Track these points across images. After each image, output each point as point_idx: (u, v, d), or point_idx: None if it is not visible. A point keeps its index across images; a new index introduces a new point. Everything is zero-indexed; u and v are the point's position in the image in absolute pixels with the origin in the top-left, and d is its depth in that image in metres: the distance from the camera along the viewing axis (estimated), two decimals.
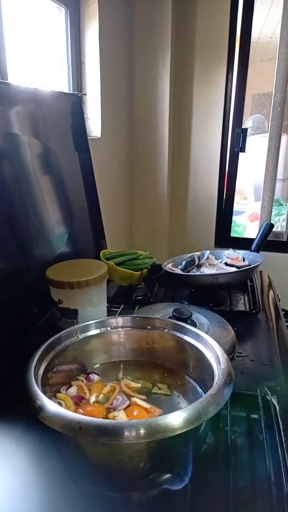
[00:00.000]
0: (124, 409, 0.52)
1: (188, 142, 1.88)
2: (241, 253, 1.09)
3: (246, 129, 1.79)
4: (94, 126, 1.43)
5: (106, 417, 0.49)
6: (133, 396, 0.54)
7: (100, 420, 0.39)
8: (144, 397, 0.54)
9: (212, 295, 1.01)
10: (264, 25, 2.56)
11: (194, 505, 0.44)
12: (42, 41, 1.19)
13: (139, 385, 0.57)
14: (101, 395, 0.54)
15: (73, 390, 0.54)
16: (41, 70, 1.20)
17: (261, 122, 3.44)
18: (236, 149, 1.82)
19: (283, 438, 0.53)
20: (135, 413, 0.51)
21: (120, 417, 0.49)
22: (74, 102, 1.08)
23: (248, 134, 1.82)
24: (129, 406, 0.52)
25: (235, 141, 1.82)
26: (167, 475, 0.45)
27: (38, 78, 1.19)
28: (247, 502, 0.46)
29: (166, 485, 0.46)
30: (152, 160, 1.82)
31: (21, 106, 0.84)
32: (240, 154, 1.86)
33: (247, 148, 1.84)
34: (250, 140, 1.87)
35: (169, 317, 0.75)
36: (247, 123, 3.32)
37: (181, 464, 0.46)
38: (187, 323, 0.66)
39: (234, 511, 0.43)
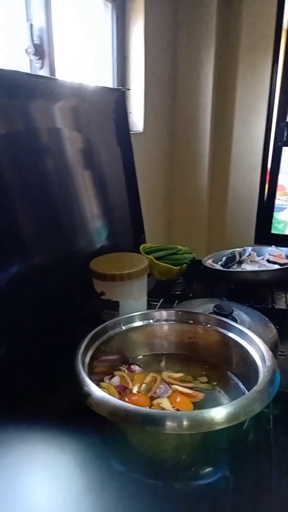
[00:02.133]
0: (167, 397, 0.52)
1: (230, 136, 1.85)
2: (284, 250, 1.06)
3: None
4: (136, 120, 1.44)
5: (151, 406, 0.50)
6: (174, 385, 0.54)
7: (146, 409, 0.40)
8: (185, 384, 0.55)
9: (253, 292, 1.00)
10: None
11: (234, 500, 0.44)
12: (88, 36, 1.21)
13: (180, 375, 0.57)
14: (143, 385, 0.55)
15: (116, 380, 0.55)
16: (87, 65, 1.22)
17: None
18: (279, 143, 1.76)
19: None
20: (178, 400, 0.52)
21: (164, 404, 0.50)
22: (118, 97, 1.09)
23: None
24: (171, 394, 0.53)
25: (278, 135, 1.76)
26: (209, 469, 0.45)
27: (83, 74, 1.21)
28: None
29: (207, 478, 0.46)
30: (193, 154, 1.81)
31: (66, 101, 0.85)
32: (284, 149, 1.80)
33: None
34: None
35: (210, 313, 0.75)
36: None
37: (223, 459, 0.46)
38: (228, 319, 0.66)
39: (276, 508, 0.43)
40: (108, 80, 1.37)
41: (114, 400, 0.41)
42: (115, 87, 1.36)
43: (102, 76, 1.35)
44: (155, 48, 1.47)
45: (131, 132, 1.16)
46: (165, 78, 1.64)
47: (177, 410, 0.50)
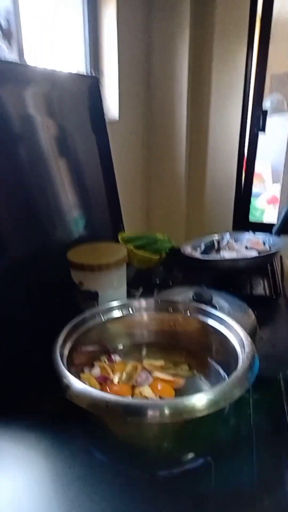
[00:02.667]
0: (149, 385, 0.52)
1: (206, 123, 1.84)
2: (261, 236, 1.07)
3: (266, 111, 1.74)
4: (111, 108, 1.41)
5: (132, 394, 0.49)
6: (155, 372, 0.54)
7: (127, 400, 0.40)
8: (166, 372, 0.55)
9: (232, 279, 1.00)
10: (284, 3, 2.45)
11: (217, 485, 0.45)
12: (59, 21, 1.17)
13: (161, 362, 0.57)
14: (124, 374, 0.55)
15: (96, 371, 0.55)
16: (58, 50, 1.18)
17: (280, 102, 3.33)
18: (255, 130, 1.77)
19: None
20: (159, 387, 0.52)
21: (146, 392, 0.49)
22: (92, 84, 1.07)
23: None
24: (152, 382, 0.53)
25: (254, 122, 1.77)
26: (191, 455, 0.45)
27: (55, 60, 1.17)
28: (271, 484, 0.46)
29: (190, 465, 0.46)
30: (169, 142, 1.80)
31: (38, 88, 0.83)
32: (260, 135, 1.82)
33: (266, 128, 1.80)
34: (269, 120, 1.82)
35: (190, 301, 0.75)
36: (265, 103, 3.22)
37: (205, 445, 0.46)
38: (207, 306, 0.66)
39: (258, 492, 0.44)
40: (80, 67, 1.33)
41: (94, 392, 0.40)
42: (88, 74, 1.33)
43: (74, 62, 1.31)
44: (129, 34, 1.44)
45: (106, 120, 1.14)
46: (140, 65, 1.62)
47: (159, 397, 0.50)
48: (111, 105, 1.40)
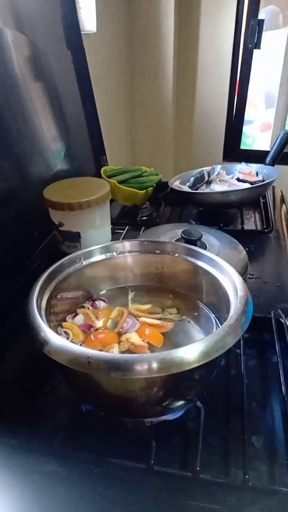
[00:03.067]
0: (135, 331, 0.50)
1: (196, 38, 1.65)
2: (254, 167, 1.00)
3: (262, 20, 1.56)
4: (87, 18, 1.23)
5: (119, 342, 0.47)
6: (142, 317, 0.52)
7: (110, 355, 0.36)
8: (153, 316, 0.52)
9: (222, 214, 0.95)
10: None
11: (208, 427, 0.44)
12: None
13: (148, 306, 0.54)
14: (109, 321, 0.52)
15: (79, 319, 0.51)
16: None
17: (276, 15, 3.01)
18: (250, 46, 1.60)
19: None
20: (147, 332, 0.49)
21: (133, 338, 0.47)
22: None
23: None
24: (139, 327, 0.50)
25: (249, 36, 1.59)
26: (180, 402, 0.44)
27: None
28: (261, 422, 0.46)
29: (178, 411, 0.45)
30: (155, 60, 1.62)
31: None
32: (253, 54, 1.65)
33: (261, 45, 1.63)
34: (263, 37, 1.64)
35: (178, 239, 0.71)
36: (260, 16, 2.91)
37: (194, 391, 0.44)
38: (196, 245, 0.62)
39: (248, 431, 0.43)
40: None
41: (74, 347, 0.37)
42: None
43: None
44: None
45: (82, 33, 1.00)
46: None
47: (147, 343, 0.48)
48: (87, 13, 1.22)
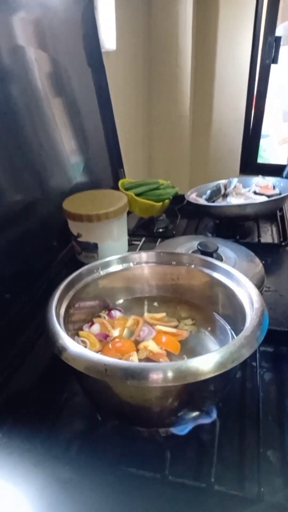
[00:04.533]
0: (152, 339, 0.50)
1: (213, 54, 1.68)
2: (271, 180, 1.00)
3: (279, 37, 1.58)
4: (107, 37, 1.27)
5: (137, 350, 0.47)
6: (157, 325, 0.52)
7: (126, 362, 0.37)
8: (169, 324, 0.53)
9: (239, 227, 0.96)
10: None
11: (222, 440, 0.44)
12: None
13: (163, 314, 0.55)
14: (125, 330, 0.52)
15: (96, 328, 0.52)
16: None
17: None
18: (267, 61, 1.62)
19: None
20: (164, 340, 0.50)
21: (151, 346, 0.48)
22: (85, 9, 0.95)
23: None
24: (156, 335, 0.51)
25: (266, 52, 1.61)
26: (195, 412, 0.44)
27: None
28: (276, 436, 0.45)
29: (194, 421, 0.45)
30: (173, 76, 1.65)
31: (25, 14, 0.72)
32: (271, 69, 1.66)
33: (278, 61, 1.64)
34: (281, 51, 1.65)
35: (194, 251, 0.71)
36: (278, 31, 2.94)
37: (209, 402, 0.44)
38: (212, 257, 0.62)
39: (263, 445, 0.43)
40: None
41: (91, 354, 0.37)
42: None
43: None
44: None
45: (102, 51, 1.03)
46: None
47: (166, 350, 0.48)
48: (107, 33, 1.26)
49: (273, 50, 1.59)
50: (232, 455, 0.43)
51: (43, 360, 0.56)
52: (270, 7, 1.57)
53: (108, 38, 1.18)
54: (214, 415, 0.45)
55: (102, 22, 1.19)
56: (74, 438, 0.45)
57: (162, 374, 0.35)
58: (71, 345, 0.39)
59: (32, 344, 0.59)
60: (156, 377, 0.35)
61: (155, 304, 0.58)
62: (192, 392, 0.40)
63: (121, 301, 0.58)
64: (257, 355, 0.56)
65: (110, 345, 0.50)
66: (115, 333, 0.52)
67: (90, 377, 0.37)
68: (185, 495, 0.38)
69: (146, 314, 0.55)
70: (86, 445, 0.44)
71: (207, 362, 0.36)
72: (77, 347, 0.39)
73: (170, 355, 0.48)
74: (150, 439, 0.45)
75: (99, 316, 0.55)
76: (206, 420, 0.44)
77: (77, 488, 0.39)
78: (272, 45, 1.58)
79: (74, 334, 0.50)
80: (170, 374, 0.35)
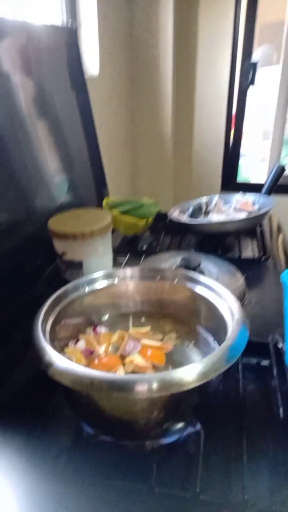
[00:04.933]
0: (138, 352, 0.51)
1: (193, 78, 1.75)
2: (250, 197, 1.04)
3: (256, 63, 1.66)
4: (91, 63, 1.31)
5: (124, 364, 0.48)
6: (142, 339, 0.53)
7: (112, 375, 0.38)
8: (154, 338, 0.54)
9: (221, 242, 0.98)
10: None
11: (207, 451, 0.45)
12: None
13: (148, 328, 0.56)
14: (111, 345, 0.53)
15: (81, 344, 0.53)
16: (32, 1, 1.08)
17: (270, 54, 3.18)
18: (245, 84, 1.69)
19: None
20: (149, 353, 0.51)
21: (137, 360, 0.48)
22: (69, 37, 0.99)
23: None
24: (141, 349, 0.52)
25: (244, 75, 1.68)
26: (180, 424, 0.45)
27: (28, 11, 1.07)
28: (260, 446, 0.46)
29: (179, 433, 0.46)
30: (154, 99, 1.70)
31: (11, 42, 0.75)
32: (249, 91, 1.73)
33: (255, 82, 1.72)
34: (258, 74, 1.73)
35: (177, 266, 0.73)
36: (255, 55, 3.07)
37: (194, 413, 0.45)
38: (195, 272, 0.64)
39: (248, 455, 0.44)
40: (56, 18, 1.23)
41: (78, 368, 0.38)
42: (65, 25, 1.22)
43: (49, 13, 1.20)
44: None
45: (86, 76, 1.07)
46: (121, 15, 1.50)
47: (151, 363, 0.49)
48: (90, 59, 1.31)
49: (250, 73, 1.66)
50: (218, 465, 0.44)
51: (27, 375, 0.57)
52: (247, 32, 1.66)
53: (92, 64, 1.22)
54: (199, 426, 0.46)
55: (86, 49, 1.24)
56: (62, 451, 0.45)
57: (147, 385, 0.36)
58: (58, 360, 0.40)
59: (16, 359, 0.59)
60: (141, 388, 0.36)
61: (140, 319, 0.59)
62: (177, 403, 0.41)
63: (106, 317, 0.59)
64: (240, 366, 0.57)
65: (96, 361, 0.50)
66: (101, 349, 0.53)
67: (77, 392, 0.37)
68: (171, 506, 0.39)
69: (131, 329, 0.56)
70: (73, 458, 0.45)
71: (190, 373, 0.38)
72: (63, 362, 0.39)
73: (156, 368, 0.49)
74: (136, 452, 0.45)
75: (85, 333, 0.56)
76: (191, 431, 0.45)
77: (64, 501, 0.40)
78: (250, 69, 1.66)
79: (60, 351, 0.51)
80: (155, 385, 0.36)
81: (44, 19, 1.12)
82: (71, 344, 0.53)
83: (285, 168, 1.01)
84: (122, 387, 0.36)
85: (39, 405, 0.51)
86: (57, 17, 1.23)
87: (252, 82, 1.71)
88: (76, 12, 1.27)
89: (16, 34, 0.77)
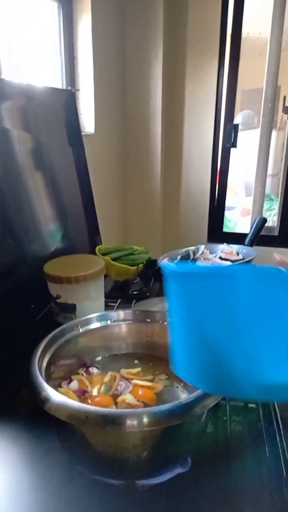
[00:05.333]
0: (130, 392, 0.53)
1: (180, 137, 1.89)
2: (234, 247, 1.10)
3: (237, 125, 1.81)
4: (87, 121, 1.43)
5: (116, 404, 0.50)
6: (133, 379, 0.55)
7: (106, 409, 0.40)
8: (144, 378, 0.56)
9: None
10: (253, 20, 2.57)
11: (196, 492, 0.46)
12: (35, 36, 1.18)
13: (138, 369, 0.58)
14: (103, 385, 0.55)
15: (74, 384, 0.55)
16: (34, 66, 1.19)
17: (251, 118, 3.45)
18: (227, 145, 1.83)
19: (281, 426, 0.55)
20: (140, 393, 0.53)
21: (129, 399, 0.50)
22: (68, 98, 1.08)
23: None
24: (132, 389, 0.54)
25: (226, 137, 1.83)
26: (170, 464, 0.46)
27: (31, 74, 1.18)
28: (248, 487, 0.47)
29: (168, 473, 0.47)
30: (145, 155, 1.83)
31: (13, 102, 0.83)
32: (232, 150, 1.87)
33: (238, 144, 1.86)
34: (240, 136, 1.88)
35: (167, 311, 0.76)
36: (237, 119, 3.32)
37: (184, 453, 0.47)
38: None
39: (235, 495, 0.45)
40: (57, 81, 1.35)
41: (73, 403, 0.40)
42: (64, 87, 1.34)
43: (50, 77, 1.32)
44: (104, 48, 1.47)
45: (82, 133, 1.16)
46: (115, 79, 1.65)
47: (143, 402, 0.51)
48: (87, 118, 1.42)
49: (232, 136, 1.80)
50: (206, 504, 0.45)
51: (23, 414, 0.57)
52: (229, 97, 1.82)
53: (88, 123, 1.33)
54: (189, 466, 0.47)
55: (82, 109, 1.35)
56: (53, 493, 0.45)
57: (137, 419, 0.38)
58: (54, 395, 0.42)
59: (10, 400, 0.60)
60: (133, 422, 0.38)
61: (132, 361, 0.61)
62: (167, 439, 0.42)
63: (99, 358, 0.61)
64: (228, 408, 0.59)
65: (89, 400, 0.52)
66: (94, 389, 0.55)
67: (71, 430, 0.39)
68: None
69: (122, 370, 0.58)
70: (64, 499, 0.45)
71: (178, 408, 0.40)
72: (59, 397, 0.41)
73: (147, 407, 0.51)
74: (127, 491, 0.46)
75: (77, 373, 0.58)
76: (180, 471, 0.46)
77: None
78: (231, 132, 1.80)
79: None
80: (145, 419, 0.39)
81: (46, 81, 1.24)
82: (64, 384, 0.55)
83: (266, 220, 1.08)
84: (115, 420, 0.38)
85: (33, 446, 0.52)
86: (57, 79, 1.35)
87: (234, 145, 1.84)
88: (75, 76, 1.40)
89: (19, 95, 0.86)
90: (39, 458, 0.50)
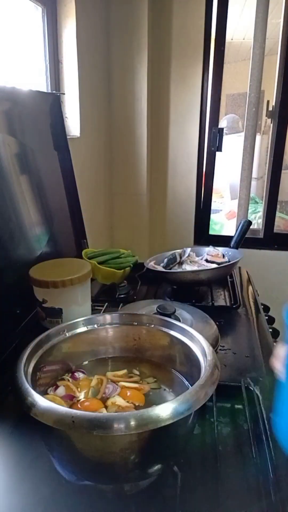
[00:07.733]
0: (118, 394, 0.53)
1: (166, 141, 1.90)
2: (220, 250, 1.11)
3: (222, 129, 1.83)
4: (73, 125, 1.42)
5: (106, 407, 0.50)
6: (119, 381, 0.55)
7: (93, 414, 0.40)
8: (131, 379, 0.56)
9: (194, 292, 1.03)
10: (237, 26, 2.61)
11: (184, 494, 0.46)
12: (19, 40, 1.18)
13: (124, 371, 0.58)
14: (90, 389, 0.55)
15: (61, 390, 0.54)
16: (19, 69, 1.19)
17: (235, 122, 3.49)
18: (213, 149, 1.85)
19: (267, 427, 0.55)
20: (128, 394, 0.53)
21: (119, 401, 0.50)
22: (53, 102, 1.08)
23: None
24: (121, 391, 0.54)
25: (211, 141, 1.84)
26: (158, 466, 0.46)
27: (15, 78, 1.17)
28: (235, 488, 0.48)
29: (156, 476, 0.47)
30: (131, 159, 1.83)
31: None
32: (217, 153, 1.89)
33: (223, 148, 1.88)
34: (225, 140, 1.90)
35: (154, 313, 0.77)
36: (222, 123, 3.36)
37: (171, 455, 0.47)
38: (171, 318, 0.68)
39: (223, 498, 0.45)
40: (42, 85, 1.35)
41: (60, 408, 0.40)
42: (49, 91, 1.34)
43: (35, 81, 1.32)
44: (88, 52, 1.47)
45: (68, 137, 1.15)
46: (100, 83, 1.65)
47: (132, 403, 0.51)
48: (72, 122, 1.42)
49: (217, 140, 1.82)
50: (194, 506, 0.45)
51: (10, 420, 0.56)
52: (213, 102, 1.84)
53: (74, 126, 1.32)
54: (176, 468, 0.47)
55: (68, 113, 1.34)
56: (40, 499, 0.45)
57: (126, 422, 0.38)
58: (40, 401, 0.41)
59: None
60: (120, 425, 0.38)
61: (118, 364, 0.61)
62: (155, 442, 0.42)
63: (86, 362, 0.61)
64: (215, 410, 0.59)
65: (79, 405, 0.52)
66: (81, 394, 0.54)
67: (58, 435, 0.39)
68: None
69: (108, 373, 0.58)
70: (52, 505, 0.44)
71: (166, 410, 0.40)
72: (45, 402, 0.41)
73: (138, 408, 0.51)
74: (115, 496, 0.46)
75: (63, 379, 0.57)
76: (168, 473, 0.46)
77: None
78: (216, 135, 1.82)
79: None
80: (133, 422, 0.38)
81: (30, 84, 1.23)
82: (50, 390, 0.54)
83: (251, 222, 1.10)
84: (102, 424, 0.38)
85: (20, 453, 0.51)
86: (42, 84, 1.35)
87: (219, 149, 1.86)
88: (60, 80, 1.40)
89: (3, 99, 0.85)
90: (26, 464, 0.49)
